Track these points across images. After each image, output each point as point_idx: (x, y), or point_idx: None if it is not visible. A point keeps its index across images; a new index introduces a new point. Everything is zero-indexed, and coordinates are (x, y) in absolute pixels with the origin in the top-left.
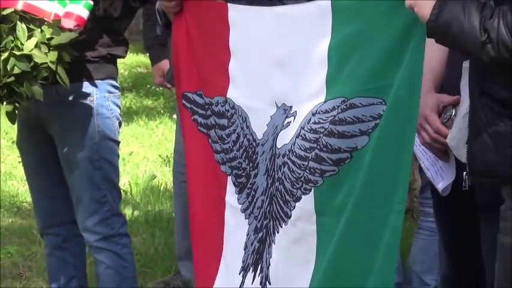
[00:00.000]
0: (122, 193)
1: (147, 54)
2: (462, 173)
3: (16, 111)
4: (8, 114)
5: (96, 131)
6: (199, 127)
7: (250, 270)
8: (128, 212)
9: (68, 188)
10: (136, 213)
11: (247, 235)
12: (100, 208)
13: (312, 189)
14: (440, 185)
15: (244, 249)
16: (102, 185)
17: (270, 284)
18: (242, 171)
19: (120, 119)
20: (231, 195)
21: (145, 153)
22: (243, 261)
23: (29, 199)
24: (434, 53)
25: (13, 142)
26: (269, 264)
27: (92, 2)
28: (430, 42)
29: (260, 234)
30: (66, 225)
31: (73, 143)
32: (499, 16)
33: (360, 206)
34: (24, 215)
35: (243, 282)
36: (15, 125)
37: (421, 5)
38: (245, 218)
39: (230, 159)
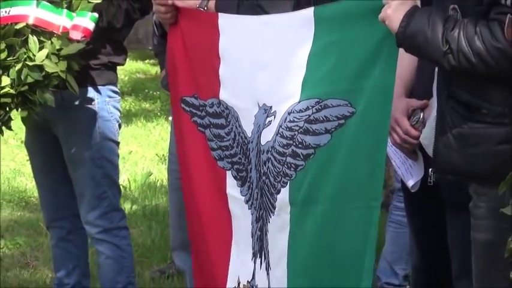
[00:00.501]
0: (122, 189)
1: (145, 62)
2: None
3: (30, 116)
4: (23, 119)
5: (98, 132)
6: (199, 127)
7: (258, 256)
8: (127, 206)
9: (71, 185)
10: (134, 207)
11: (251, 225)
12: (101, 203)
13: (288, 183)
14: (409, 182)
15: (252, 237)
16: (103, 182)
17: (271, 269)
18: (242, 166)
19: (120, 121)
20: (232, 188)
21: (143, 152)
22: (253, 248)
23: (36, 194)
24: (405, 62)
25: (22, 142)
26: (268, 251)
27: (96, 15)
28: (401, 52)
29: (259, 224)
30: (70, 218)
31: (76, 143)
32: (460, 28)
33: (334, 200)
34: (32, 209)
35: (254, 268)
36: (23, 126)
37: (391, 19)
38: (248, 209)
39: (231, 155)
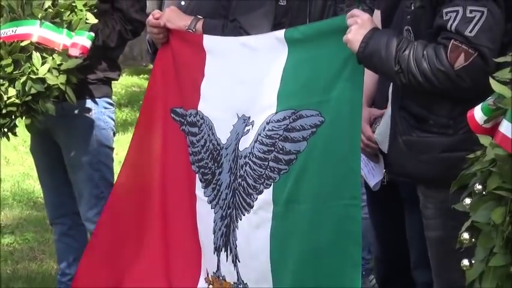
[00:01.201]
0: None
1: (140, 76)
2: None
3: (33, 123)
4: (27, 126)
5: (95, 139)
6: (187, 136)
7: (223, 251)
8: None
9: (71, 186)
10: None
11: (214, 222)
12: (98, 202)
13: (272, 184)
14: (371, 182)
15: (213, 234)
16: (100, 184)
17: (239, 261)
18: (208, 170)
19: (114, 129)
20: (199, 190)
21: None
22: (214, 243)
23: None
24: (367, 77)
25: (29, 149)
26: (236, 246)
27: (93, 34)
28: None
29: (225, 221)
30: (70, 216)
31: (76, 149)
32: (410, 50)
33: (314, 200)
34: (39, 208)
35: (219, 261)
36: (28, 133)
37: (352, 42)
38: (211, 208)
39: (198, 160)
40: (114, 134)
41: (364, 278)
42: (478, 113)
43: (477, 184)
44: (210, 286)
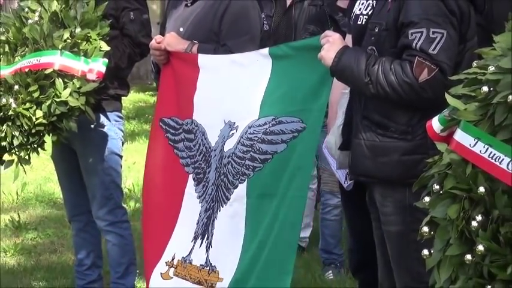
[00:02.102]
0: (127, 191)
1: (146, 93)
2: None
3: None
4: (53, 142)
5: (107, 148)
6: (169, 142)
7: (199, 238)
8: (131, 204)
9: (86, 189)
10: (137, 205)
11: (199, 214)
12: (108, 202)
13: (246, 180)
14: (345, 184)
15: (197, 224)
16: (110, 186)
17: (212, 247)
18: (201, 170)
19: (123, 139)
20: (191, 188)
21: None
22: (195, 232)
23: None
24: (336, 86)
25: (50, 156)
26: (212, 234)
27: (107, 60)
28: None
29: (208, 213)
30: (86, 214)
31: (90, 156)
32: (378, 64)
33: (287, 190)
34: (58, 207)
35: (193, 247)
36: (50, 144)
37: (325, 58)
38: (199, 202)
39: (194, 162)
40: (123, 143)
41: (338, 269)
42: (435, 123)
43: (435, 185)
44: (172, 269)
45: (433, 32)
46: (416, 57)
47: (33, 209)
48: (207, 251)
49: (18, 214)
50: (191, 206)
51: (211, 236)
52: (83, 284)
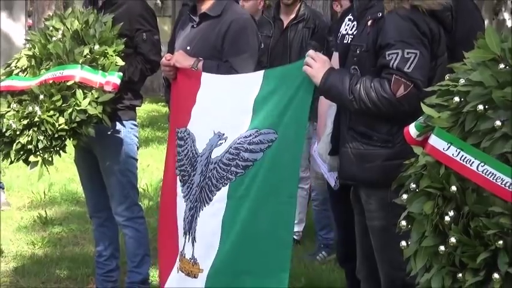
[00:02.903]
0: (141, 190)
1: (158, 104)
2: None
3: (79, 143)
4: (74, 146)
5: (123, 152)
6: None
7: (187, 234)
8: (146, 202)
9: (105, 188)
10: (151, 203)
11: (184, 212)
12: (125, 200)
13: (228, 183)
14: (332, 183)
15: (184, 221)
16: (127, 186)
17: (196, 242)
18: (186, 172)
19: (138, 145)
20: (179, 188)
21: (157, 166)
22: (184, 228)
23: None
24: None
25: (73, 159)
26: (195, 230)
27: (121, 74)
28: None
29: (191, 212)
30: (105, 211)
31: (109, 160)
32: (360, 83)
33: (262, 196)
34: (81, 205)
35: (184, 242)
36: (73, 148)
37: (315, 77)
38: (184, 202)
39: (180, 165)
40: (137, 148)
41: (329, 251)
42: (412, 129)
43: (412, 184)
44: (178, 262)
45: (408, 53)
46: (394, 75)
47: (58, 206)
48: (193, 246)
49: (45, 211)
50: (180, 205)
51: (194, 233)
52: (102, 273)
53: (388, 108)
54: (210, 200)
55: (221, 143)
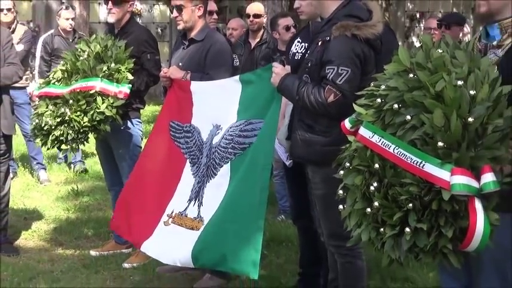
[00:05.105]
0: None
1: (159, 106)
2: None
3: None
4: (95, 138)
5: (131, 142)
6: (171, 136)
7: (193, 200)
8: None
9: (118, 169)
10: None
11: (193, 185)
12: None
13: (229, 162)
14: (287, 162)
15: (191, 191)
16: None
17: (202, 205)
18: (195, 156)
19: (142, 137)
20: (188, 168)
21: None
22: (189, 196)
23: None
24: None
25: (95, 149)
26: (203, 197)
27: (131, 85)
28: None
29: (199, 184)
30: (119, 185)
31: (121, 148)
32: (304, 88)
33: (253, 165)
34: (103, 181)
35: (187, 206)
36: (94, 140)
37: (274, 82)
38: (193, 178)
39: (190, 151)
40: (142, 139)
41: (281, 215)
42: (347, 123)
43: (347, 163)
44: (171, 219)
45: (341, 69)
46: (328, 85)
47: (86, 182)
48: (199, 208)
49: (76, 185)
50: (187, 180)
51: (202, 199)
52: None
53: (321, 110)
54: (215, 174)
55: (218, 132)
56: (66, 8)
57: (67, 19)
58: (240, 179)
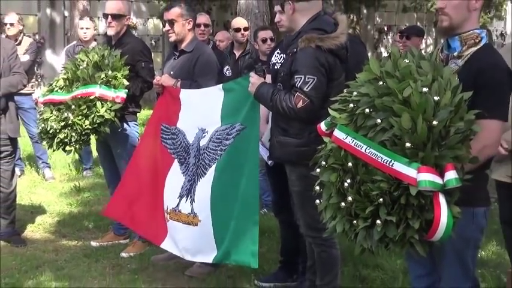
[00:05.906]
0: None
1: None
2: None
3: (99, 138)
4: (96, 139)
5: (128, 143)
6: (160, 137)
7: (185, 197)
8: None
9: (117, 167)
10: None
11: (183, 183)
12: None
13: (216, 161)
14: (269, 162)
15: (181, 188)
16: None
17: (194, 202)
18: (182, 157)
19: (138, 138)
20: (176, 166)
21: None
22: (180, 193)
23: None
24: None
25: (95, 149)
26: (195, 193)
27: (127, 91)
28: None
29: (190, 182)
30: (117, 182)
31: (118, 148)
32: (277, 95)
33: (237, 163)
34: (102, 178)
35: (180, 202)
36: (95, 141)
37: (251, 90)
38: (183, 176)
39: (177, 152)
40: (138, 140)
41: (264, 208)
42: (322, 125)
43: (323, 161)
44: (168, 215)
45: (308, 78)
46: (297, 92)
47: (87, 179)
48: (191, 204)
49: (78, 182)
50: (176, 178)
51: (194, 195)
52: (117, 223)
53: (292, 115)
54: (205, 174)
55: (204, 135)
56: (81, 19)
57: (81, 28)
58: (227, 177)
